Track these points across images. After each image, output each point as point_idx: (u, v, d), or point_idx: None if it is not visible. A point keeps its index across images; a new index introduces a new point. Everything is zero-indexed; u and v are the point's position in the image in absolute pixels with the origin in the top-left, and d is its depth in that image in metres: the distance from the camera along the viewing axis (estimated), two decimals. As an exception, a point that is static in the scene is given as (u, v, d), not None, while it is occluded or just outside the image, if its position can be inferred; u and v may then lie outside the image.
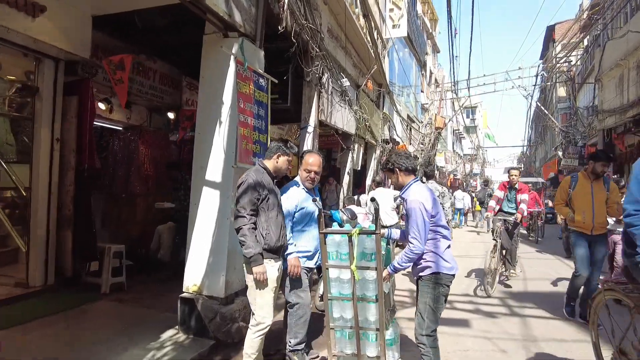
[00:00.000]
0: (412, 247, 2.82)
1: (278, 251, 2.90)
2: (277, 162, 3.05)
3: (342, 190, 9.30)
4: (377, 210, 2.84)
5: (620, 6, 12.38)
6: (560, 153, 19.45)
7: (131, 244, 7.11)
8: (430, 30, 30.53)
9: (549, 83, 19.83)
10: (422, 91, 23.77)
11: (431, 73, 25.70)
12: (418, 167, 18.14)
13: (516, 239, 7.04)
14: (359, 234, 2.65)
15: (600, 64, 13.68)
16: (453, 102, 28.46)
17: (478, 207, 20.44)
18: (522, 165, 56.81)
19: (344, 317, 2.83)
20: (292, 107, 6.77)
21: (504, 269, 6.87)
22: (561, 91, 27.01)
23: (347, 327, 2.84)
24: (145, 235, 7.12)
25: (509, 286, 6.58)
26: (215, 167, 4.06)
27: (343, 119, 8.08)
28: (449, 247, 3.01)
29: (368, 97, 10.31)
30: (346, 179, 9.03)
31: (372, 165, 11.86)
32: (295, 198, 3.14)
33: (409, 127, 16.83)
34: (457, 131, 46.34)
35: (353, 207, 6.37)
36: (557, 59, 20.16)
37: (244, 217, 2.74)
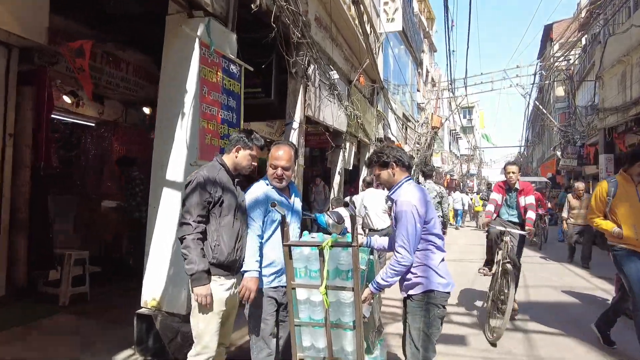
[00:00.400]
0: (399, 258, 2.33)
1: (231, 267, 2.36)
2: (236, 157, 2.52)
3: (332, 191, 8.79)
4: (353, 217, 2.34)
5: (622, 0, 11.93)
6: (558, 153, 19.00)
7: (105, 248, 6.61)
8: (427, 29, 30.12)
9: (547, 82, 19.40)
10: (418, 90, 23.32)
11: (427, 72, 25.24)
12: (413, 167, 17.64)
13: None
14: (332, 246, 2.12)
15: (602, 60, 13.23)
16: (450, 102, 28.05)
17: (479, 208, 20.48)
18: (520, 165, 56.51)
19: (315, 347, 2.31)
20: (276, 101, 6.27)
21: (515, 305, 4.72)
22: (559, 91, 26.58)
23: (320, 358, 2.33)
24: (119, 239, 6.61)
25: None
26: (176, 165, 3.54)
27: (333, 115, 7.57)
28: (443, 260, 2.52)
29: (361, 93, 9.81)
30: (337, 179, 8.52)
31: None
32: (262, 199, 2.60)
33: (404, 126, 16.33)
34: (454, 131, 45.98)
35: (341, 210, 5.87)
36: (555, 58, 19.73)
37: (189, 224, 2.22)
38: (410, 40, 16.97)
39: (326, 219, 4.56)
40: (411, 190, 2.47)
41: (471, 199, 21.71)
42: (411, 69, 19.13)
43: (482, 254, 10.00)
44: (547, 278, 7.37)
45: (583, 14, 18.48)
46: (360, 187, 11.26)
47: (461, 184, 43.98)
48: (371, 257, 2.71)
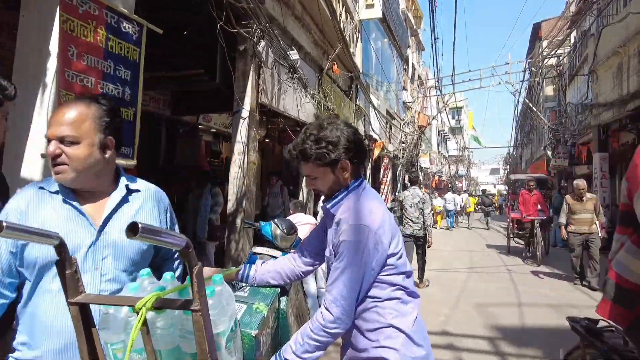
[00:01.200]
0: (329, 322, 1.32)
1: None
2: None
3: (302, 194, 7.74)
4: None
5: (618, -12, 11.11)
6: (549, 153, 18.23)
7: None
8: (415, 27, 29.30)
9: (536, 79, 18.64)
10: (404, 89, 22.41)
11: (414, 69, 24.35)
12: (399, 166, 16.66)
13: None
14: (157, 308, 1.06)
15: (595, 53, 12.40)
16: (438, 102, 27.18)
17: (471, 209, 21.09)
18: (508, 167, 56.03)
19: None
20: (223, 85, 5.22)
21: None
22: (548, 90, 25.90)
23: None
24: None
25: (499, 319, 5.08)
26: (34, 157, 2.49)
27: (297, 105, 6.55)
28: (417, 317, 1.45)
29: (335, 83, 8.79)
30: (305, 180, 7.48)
31: (343, 164, 10.36)
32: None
33: (388, 124, 15.38)
34: (442, 132, 45.34)
35: (298, 216, 4.85)
36: (545, 54, 18.97)
37: None
38: (394, 33, 16.03)
39: (273, 228, 3.52)
40: (367, 204, 1.45)
41: (462, 200, 20.91)
42: (396, 65, 18.20)
43: (470, 262, 9.27)
44: (544, 294, 6.41)
45: (573, 9, 17.73)
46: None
47: (450, 184, 43.33)
48: (282, 305, 1.65)
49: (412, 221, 6.24)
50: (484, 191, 29.60)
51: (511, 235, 10.35)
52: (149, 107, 6.34)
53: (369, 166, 13.08)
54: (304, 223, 4.65)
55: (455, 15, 9.59)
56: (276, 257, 2.32)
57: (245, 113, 4.98)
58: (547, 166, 27.24)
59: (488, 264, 8.73)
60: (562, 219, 7.04)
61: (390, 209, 13.92)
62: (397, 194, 18.39)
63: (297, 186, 8.02)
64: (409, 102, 22.17)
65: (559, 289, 6.60)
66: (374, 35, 13.85)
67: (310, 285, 4.58)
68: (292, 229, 3.92)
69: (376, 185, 16.24)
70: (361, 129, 11.37)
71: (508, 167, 53.73)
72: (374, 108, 12.22)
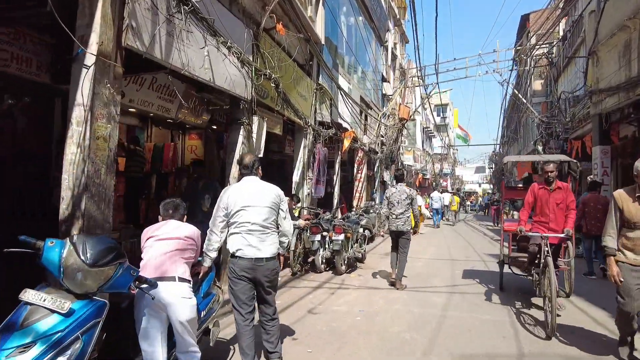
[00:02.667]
0: None
1: None
2: None
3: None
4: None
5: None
6: (540, 147, 16.64)
7: None
8: (398, 17, 27.58)
9: (526, 67, 17.12)
10: (385, 80, 20.63)
11: (395, 57, 22.56)
12: (377, 162, 14.85)
13: None
14: None
15: (597, 31, 10.73)
16: (422, 98, 25.47)
17: (454, 207, 20.82)
18: (494, 165, 54.92)
19: None
20: (56, 11, 3.26)
21: None
22: (536, 84, 24.44)
23: None
24: None
25: None
26: None
27: (211, 65, 4.62)
28: None
29: (284, 51, 6.88)
30: (233, 171, 5.57)
31: (300, 156, 8.46)
32: None
33: (363, 114, 13.54)
34: (427, 129, 43.87)
35: (166, 225, 2.96)
36: (534, 43, 17.42)
37: None
38: (371, 12, 14.20)
39: (65, 253, 1.68)
40: None
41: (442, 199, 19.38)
42: (374, 50, 16.38)
43: (451, 279, 7.25)
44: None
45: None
46: (295, 184, 8.40)
47: (434, 183, 41.83)
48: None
49: (397, 217, 6.27)
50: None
51: (505, 262, 6.17)
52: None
53: (337, 159, 11.22)
54: (163, 238, 2.75)
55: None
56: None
57: (90, 59, 3.05)
58: (534, 164, 25.89)
59: (474, 283, 6.93)
60: (611, 241, 3.54)
61: (365, 210, 11.62)
62: (374, 192, 16.61)
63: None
64: (389, 95, 20.38)
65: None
66: (345, 10, 12.00)
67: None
68: (107, 255, 2.02)
69: (347, 181, 14.42)
70: (325, 115, 9.50)
71: (493, 165, 52.58)
72: (343, 92, 10.35)
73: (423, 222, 16.36)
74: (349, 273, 7.33)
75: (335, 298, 5.73)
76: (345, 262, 7.28)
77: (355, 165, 13.69)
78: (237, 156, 5.55)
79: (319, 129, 8.91)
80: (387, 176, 18.33)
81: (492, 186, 61.77)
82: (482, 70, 17.24)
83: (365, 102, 13.74)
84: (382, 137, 17.69)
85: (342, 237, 7.02)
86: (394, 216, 6.31)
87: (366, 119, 13.85)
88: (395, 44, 24.52)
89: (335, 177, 11.13)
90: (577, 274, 6.14)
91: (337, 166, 11.13)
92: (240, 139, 5.58)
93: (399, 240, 6.39)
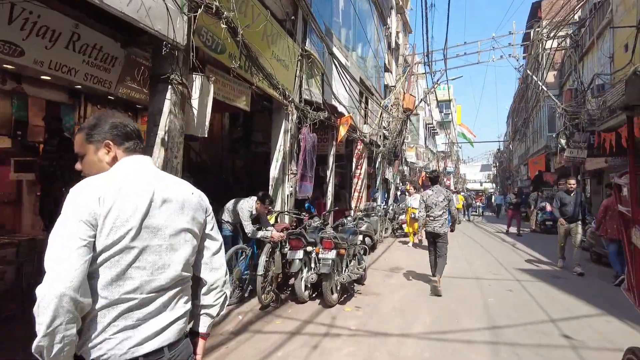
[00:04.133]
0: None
1: None
2: None
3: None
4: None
5: None
6: (563, 141, 14.50)
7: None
8: (401, 4, 25.52)
9: (545, 51, 15.04)
10: (387, 70, 18.55)
11: (397, 45, 20.44)
12: (379, 156, 12.73)
13: None
14: None
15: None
16: (429, 90, 23.30)
17: (459, 206, 18.68)
18: (495, 162, 52.67)
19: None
20: None
21: None
22: (548, 76, 22.25)
23: None
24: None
25: None
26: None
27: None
28: None
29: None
30: (159, 154, 3.45)
31: (280, 144, 6.36)
32: None
33: (364, 98, 11.45)
34: (429, 125, 41.84)
35: None
36: (554, 25, 15.29)
37: None
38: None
39: None
40: None
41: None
42: (377, 29, 14.26)
43: (486, 315, 4.82)
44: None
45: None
46: (272, 180, 6.30)
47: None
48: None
49: (434, 219, 6.07)
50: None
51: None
52: None
53: (332, 151, 9.10)
54: None
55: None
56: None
57: None
58: (548, 161, 23.77)
59: (522, 322, 4.84)
60: None
61: (365, 212, 9.43)
62: (375, 192, 14.51)
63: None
64: (392, 86, 18.24)
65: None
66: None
67: None
68: None
69: (343, 179, 12.32)
70: (316, 93, 7.40)
71: (498, 163, 50.42)
72: (339, 65, 8.22)
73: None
74: (343, 303, 5.23)
75: (317, 357, 3.64)
76: (338, 288, 5.20)
77: (354, 160, 11.57)
78: (161, 134, 3.45)
79: (305, 108, 6.80)
80: (389, 173, 16.21)
81: (494, 185, 59.54)
82: (496, 55, 15.07)
83: (365, 86, 11.62)
84: (385, 129, 15.59)
85: (332, 254, 4.93)
86: (431, 218, 6.07)
87: (367, 105, 11.74)
88: (397, 32, 22.51)
89: (329, 173, 9.03)
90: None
91: (331, 159, 9.03)
92: (167, 106, 3.46)
93: (436, 243, 6.10)
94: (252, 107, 5.94)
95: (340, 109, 8.89)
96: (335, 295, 5.12)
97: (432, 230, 6.08)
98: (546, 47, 16.29)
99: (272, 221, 5.72)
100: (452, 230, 6.91)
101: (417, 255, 9.15)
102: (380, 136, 14.56)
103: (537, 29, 17.27)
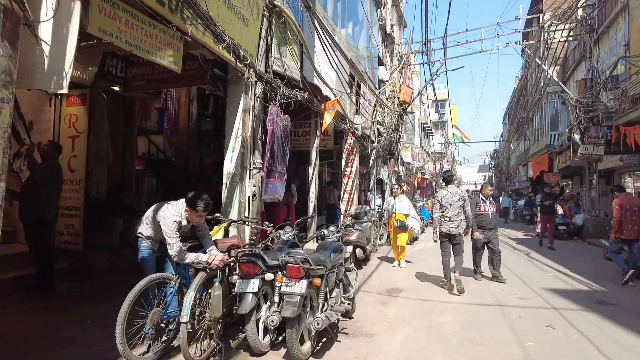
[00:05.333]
0: None
1: None
2: None
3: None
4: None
5: None
6: (577, 137, 12.91)
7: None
8: (396, -4, 24.00)
9: (556, 37, 13.50)
10: (382, 64, 16.93)
11: (392, 38, 18.85)
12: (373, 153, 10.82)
13: None
14: None
15: None
16: (425, 87, 21.67)
17: None
18: (492, 163, 51.16)
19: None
20: None
21: None
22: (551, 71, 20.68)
23: None
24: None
25: None
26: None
27: None
28: None
29: None
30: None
31: (237, 126, 4.63)
32: None
33: (356, 82, 9.78)
34: (425, 125, 40.39)
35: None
36: (559, 18, 13.74)
37: None
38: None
39: None
40: None
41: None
42: (370, 12, 12.63)
43: None
44: None
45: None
46: (227, 178, 4.57)
47: (433, 183, 38.20)
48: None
49: (450, 219, 5.95)
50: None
51: None
52: None
53: (315, 143, 7.39)
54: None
55: None
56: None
57: None
58: (551, 161, 22.23)
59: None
60: None
61: (356, 217, 7.69)
62: (369, 192, 12.84)
63: None
64: (386, 81, 16.59)
65: None
66: None
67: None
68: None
69: (335, 178, 10.64)
70: (292, 67, 5.70)
71: (494, 164, 48.98)
72: (323, 34, 6.52)
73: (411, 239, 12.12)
74: (319, 356, 3.52)
75: None
76: (312, 334, 3.49)
77: (344, 156, 9.87)
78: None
79: (274, 80, 5.08)
80: (384, 173, 14.52)
81: (490, 187, 57.79)
82: (501, 42, 13.51)
83: (357, 70, 9.94)
84: (380, 124, 13.92)
85: (302, 287, 3.22)
86: (447, 219, 5.99)
87: (358, 88, 10.05)
88: (392, 25, 20.97)
89: (311, 170, 7.32)
90: None
91: (314, 153, 7.31)
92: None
93: (452, 244, 6.03)
94: (197, 79, 4.24)
95: (326, 92, 7.21)
96: (307, 346, 3.40)
97: (447, 231, 5.97)
98: (549, 40, 14.81)
99: (218, 235, 4.00)
100: (466, 234, 6.19)
101: (417, 269, 7.47)
102: (374, 131, 12.89)
103: (540, 23, 15.74)
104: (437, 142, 41.35)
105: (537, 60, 14.61)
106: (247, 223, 4.28)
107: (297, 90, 5.69)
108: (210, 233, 3.86)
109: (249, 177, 4.68)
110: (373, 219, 9.04)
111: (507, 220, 23.59)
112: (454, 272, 5.82)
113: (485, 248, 6.79)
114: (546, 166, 21.85)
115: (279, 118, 4.93)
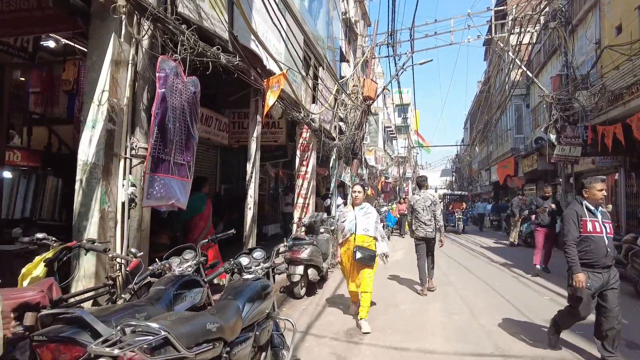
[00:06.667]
0: None
1: None
2: None
3: None
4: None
5: None
6: (552, 137, 11.85)
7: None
8: (360, -10, 22.70)
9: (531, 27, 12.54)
10: (345, 60, 15.46)
11: (355, 34, 17.45)
12: (332, 151, 9.20)
13: None
14: None
15: None
16: (391, 81, 20.34)
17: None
18: (453, 167, 51.07)
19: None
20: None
21: None
22: (514, 75, 19.95)
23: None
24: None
25: None
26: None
27: None
28: None
29: None
30: None
31: (101, 82, 2.81)
32: None
33: (313, 65, 8.11)
34: (388, 129, 39.61)
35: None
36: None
37: None
38: None
39: None
40: None
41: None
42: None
43: None
44: None
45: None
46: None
47: (396, 187, 37.28)
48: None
49: (425, 224, 5.88)
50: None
51: None
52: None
53: (254, 132, 5.57)
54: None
55: None
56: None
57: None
58: (516, 164, 21.52)
59: None
60: None
61: (309, 228, 6.77)
62: (328, 196, 11.18)
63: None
64: (347, 78, 15.05)
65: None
66: None
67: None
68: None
69: (293, 179, 8.90)
70: (211, 16, 3.90)
71: (455, 169, 48.85)
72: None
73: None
74: None
75: None
76: None
77: (298, 153, 8.13)
78: None
79: (173, 21, 3.26)
80: (346, 175, 12.94)
81: (450, 191, 57.91)
82: (472, 35, 12.30)
83: (315, 52, 8.26)
84: (342, 120, 12.34)
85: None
86: (421, 223, 5.87)
87: (315, 69, 8.37)
88: (356, 21, 19.63)
89: (249, 168, 5.51)
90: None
91: (253, 145, 5.50)
92: None
93: (428, 246, 6.00)
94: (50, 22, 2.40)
95: (270, 65, 5.48)
96: None
97: (424, 236, 5.91)
98: (514, 43, 13.86)
99: (37, 271, 2.14)
100: (442, 245, 6.03)
101: (384, 294, 5.84)
102: (336, 127, 11.27)
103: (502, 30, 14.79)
104: (400, 145, 40.55)
105: (510, 53, 13.51)
106: (91, 250, 2.42)
107: (221, 52, 3.90)
108: (24, 270, 2.02)
109: (123, 171, 2.85)
110: (332, 228, 7.36)
111: (482, 228, 20.84)
112: (430, 278, 6.06)
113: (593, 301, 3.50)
114: (512, 170, 21.10)
115: (179, 79, 3.12)
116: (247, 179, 5.42)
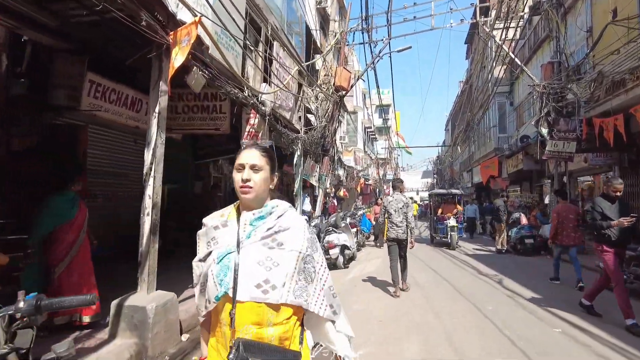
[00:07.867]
0: None
1: None
2: None
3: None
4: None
5: None
6: (544, 131, 10.51)
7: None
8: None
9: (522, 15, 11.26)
10: (318, 51, 13.87)
11: (328, 21, 15.95)
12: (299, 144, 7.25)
13: None
14: None
15: None
16: (366, 70, 18.87)
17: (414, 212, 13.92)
18: (434, 168, 50.16)
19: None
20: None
21: None
22: (498, 72, 18.77)
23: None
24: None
25: None
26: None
27: None
28: None
29: None
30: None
31: None
32: None
33: (264, 35, 6.48)
34: (369, 129, 38.27)
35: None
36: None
37: None
38: None
39: None
40: None
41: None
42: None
43: None
44: None
45: None
46: None
47: (377, 189, 35.94)
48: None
49: (397, 225, 6.10)
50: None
51: None
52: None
53: (156, 107, 3.90)
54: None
55: None
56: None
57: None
58: (500, 165, 20.35)
59: None
60: None
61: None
62: (294, 198, 9.53)
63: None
64: (314, 61, 13.47)
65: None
66: None
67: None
68: None
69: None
70: None
71: (437, 170, 47.96)
72: None
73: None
74: None
75: None
76: None
77: (243, 142, 6.46)
78: None
79: None
80: (314, 175, 11.29)
81: (441, 190, 56.55)
82: (455, 19, 10.94)
83: (266, 21, 6.64)
84: (311, 111, 10.76)
85: None
86: (394, 225, 6.10)
87: (269, 48, 6.73)
88: (325, 8, 18.12)
89: (148, 158, 3.83)
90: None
91: (154, 125, 3.82)
92: None
93: (400, 248, 6.17)
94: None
95: (183, 15, 3.83)
96: None
97: (395, 237, 6.08)
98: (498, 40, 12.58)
99: None
100: (412, 247, 6.17)
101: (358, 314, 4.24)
102: (300, 118, 9.65)
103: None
104: (380, 147, 39.31)
105: (497, 39, 12.16)
106: None
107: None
108: None
109: None
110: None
111: (473, 235, 17.46)
112: (404, 280, 6.25)
113: None
114: (496, 171, 19.93)
115: None
116: (144, 173, 3.73)
